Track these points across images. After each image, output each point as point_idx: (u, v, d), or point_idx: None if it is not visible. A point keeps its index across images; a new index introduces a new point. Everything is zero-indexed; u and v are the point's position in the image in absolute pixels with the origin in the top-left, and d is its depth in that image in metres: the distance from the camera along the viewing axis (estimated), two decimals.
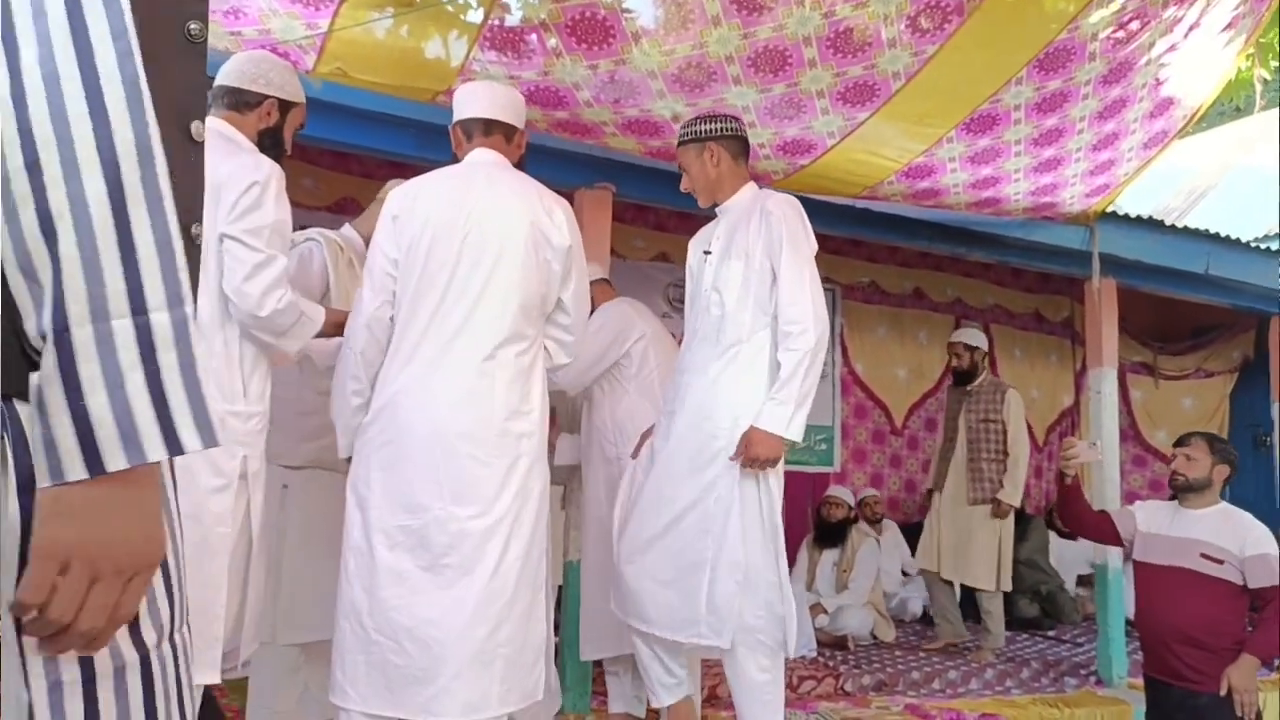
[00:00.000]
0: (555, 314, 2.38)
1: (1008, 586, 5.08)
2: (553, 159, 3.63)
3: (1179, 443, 3.42)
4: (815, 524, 5.72)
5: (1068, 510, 3.63)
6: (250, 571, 2.18)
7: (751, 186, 2.85)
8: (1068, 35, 3.02)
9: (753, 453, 2.52)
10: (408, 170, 3.46)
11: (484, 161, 2.41)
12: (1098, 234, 4.70)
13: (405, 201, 2.34)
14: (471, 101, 2.46)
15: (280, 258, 2.18)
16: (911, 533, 6.32)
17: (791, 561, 5.82)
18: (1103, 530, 3.58)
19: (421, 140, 3.61)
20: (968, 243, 4.87)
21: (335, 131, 3.48)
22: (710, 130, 2.78)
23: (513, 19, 2.92)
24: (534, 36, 2.95)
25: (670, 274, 6.01)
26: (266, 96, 2.35)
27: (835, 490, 5.74)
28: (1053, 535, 6.48)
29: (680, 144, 2.82)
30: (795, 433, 2.53)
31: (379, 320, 2.27)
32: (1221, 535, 3.23)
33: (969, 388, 5.17)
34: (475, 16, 2.91)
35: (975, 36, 2.95)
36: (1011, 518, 5.05)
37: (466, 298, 2.22)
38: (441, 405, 2.17)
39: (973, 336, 5.24)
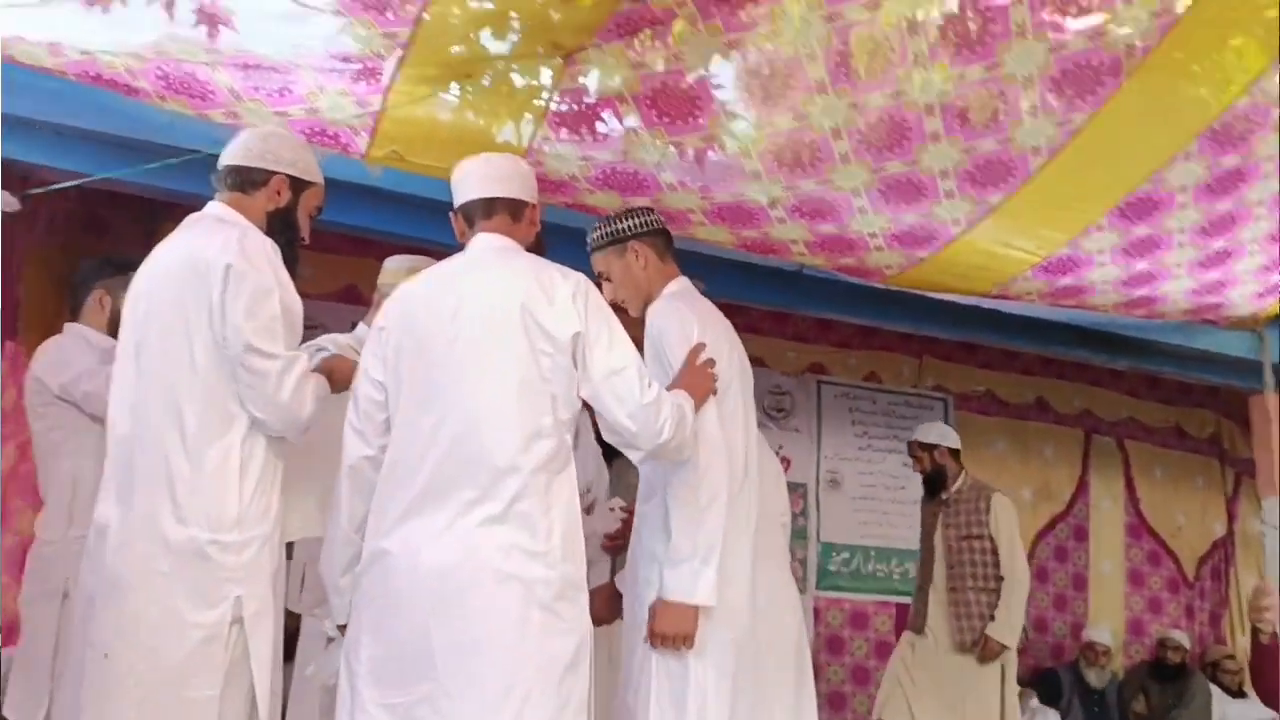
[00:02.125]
0: (594, 386, 1.87)
1: None
2: None
3: None
4: None
5: (1266, 679, 2.90)
6: None
7: (677, 282, 2.37)
8: (1249, 100, 2.50)
9: (658, 629, 2.03)
10: None
11: (482, 248, 2.00)
12: (1269, 341, 4.03)
13: (392, 308, 1.97)
14: (467, 181, 2.07)
15: (301, 355, 1.93)
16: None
17: None
18: None
19: None
20: (1109, 349, 4.28)
21: (394, 223, 3.17)
22: (629, 228, 2.35)
23: (586, 94, 2.56)
24: (609, 112, 2.58)
25: (768, 379, 5.54)
26: (273, 173, 2.04)
27: None
28: (1216, 690, 5.56)
29: (595, 250, 2.40)
30: (705, 596, 2.02)
31: (366, 465, 1.89)
32: None
33: (943, 497, 4.11)
34: (544, 91, 2.56)
35: (1135, 102, 2.45)
36: (1013, 661, 3.94)
37: (459, 417, 1.80)
38: (436, 550, 1.74)
39: (929, 432, 4.22)
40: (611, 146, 2.68)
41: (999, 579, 3.88)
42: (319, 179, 2.13)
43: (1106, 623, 6.07)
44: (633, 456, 1.95)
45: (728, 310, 4.80)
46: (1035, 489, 6.26)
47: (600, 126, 2.64)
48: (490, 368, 1.82)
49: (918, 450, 4.19)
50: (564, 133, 2.65)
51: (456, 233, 2.07)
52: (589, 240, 2.43)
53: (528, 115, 2.65)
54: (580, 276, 1.91)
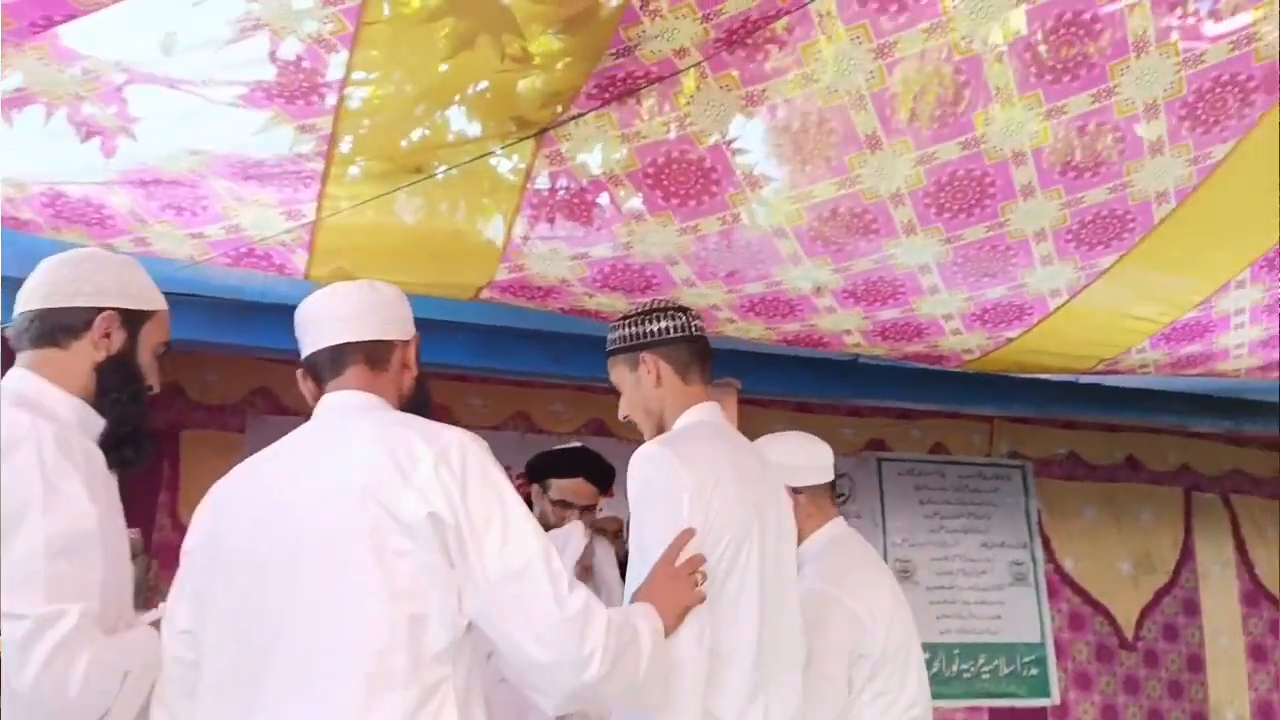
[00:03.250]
0: (483, 599, 1.26)
1: None
2: None
3: None
4: None
5: None
6: None
7: (696, 411, 1.76)
8: None
9: None
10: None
11: (325, 414, 1.45)
12: None
13: (200, 522, 1.40)
14: (306, 328, 1.51)
15: (69, 611, 1.20)
16: None
17: None
18: None
19: (474, 347, 2.70)
20: (1236, 414, 3.61)
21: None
22: (643, 335, 1.80)
23: (571, 177, 2.01)
24: (603, 197, 2.02)
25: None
26: (97, 310, 1.45)
27: None
28: None
29: (608, 354, 1.87)
30: None
31: None
32: None
33: None
34: (516, 178, 2.01)
35: None
36: None
37: (275, 689, 1.23)
38: None
39: None
40: (609, 239, 2.11)
41: None
42: (160, 304, 1.55)
43: (1231, 711, 5.36)
44: (546, 705, 1.30)
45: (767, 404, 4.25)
46: (1135, 560, 5.54)
47: (594, 215, 2.08)
48: (318, 599, 1.24)
49: None
50: (546, 227, 2.09)
51: (308, 396, 1.50)
52: (607, 342, 1.89)
53: (501, 210, 2.10)
54: (455, 437, 1.32)
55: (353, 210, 2.08)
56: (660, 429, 1.81)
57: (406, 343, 1.51)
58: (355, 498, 1.26)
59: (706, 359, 1.83)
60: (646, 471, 1.62)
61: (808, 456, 2.14)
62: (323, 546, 1.25)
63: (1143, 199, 2.00)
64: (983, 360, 2.68)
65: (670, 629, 1.39)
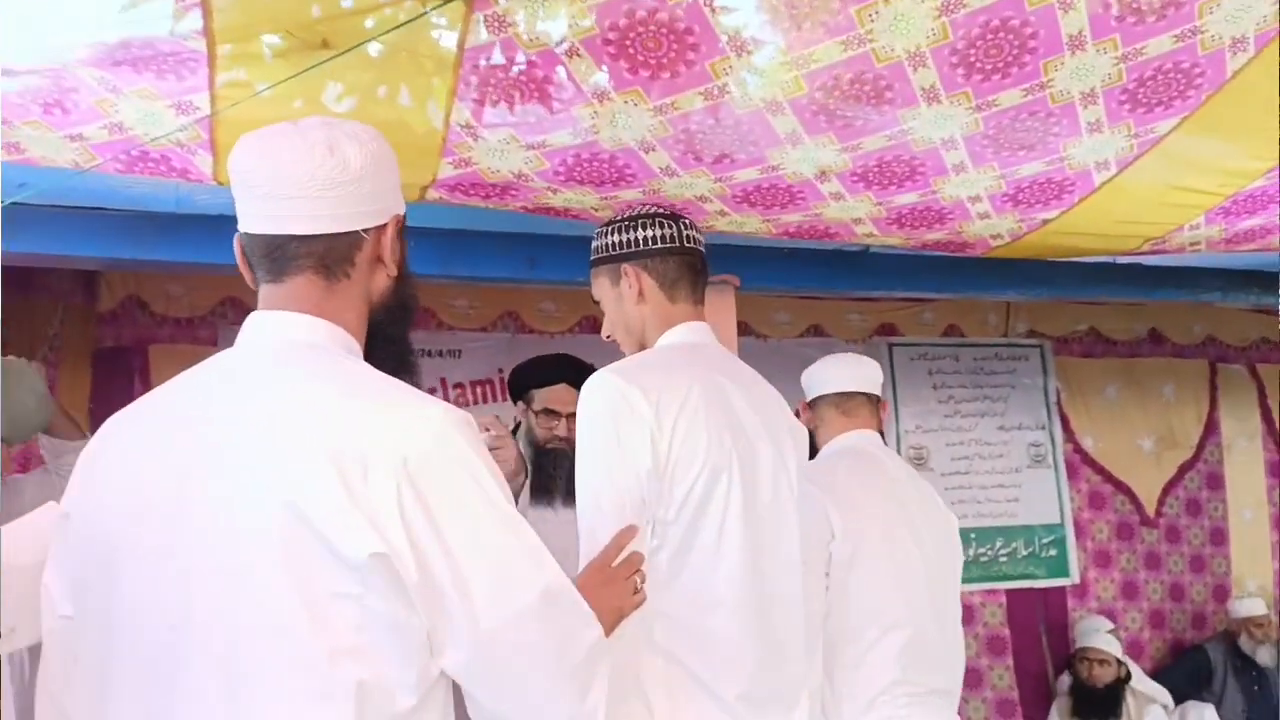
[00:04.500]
0: (467, 653, 0.96)
1: None
2: None
3: None
4: (1072, 689, 4.17)
5: None
6: None
7: (677, 332, 1.57)
8: None
9: None
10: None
11: (250, 351, 1.05)
12: None
13: (80, 479, 1.04)
14: (247, 189, 1.04)
15: None
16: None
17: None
18: None
19: (434, 253, 2.38)
20: (1240, 286, 3.31)
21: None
22: (624, 244, 1.60)
23: (516, 48, 1.64)
24: (558, 72, 1.66)
25: (829, 350, 4.66)
26: None
27: (1093, 641, 4.16)
28: None
29: (590, 265, 1.68)
30: None
31: None
32: None
33: None
34: (451, 54, 1.64)
35: None
36: None
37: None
38: None
39: None
40: (570, 124, 1.76)
41: None
42: None
43: (1254, 582, 5.26)
44: None
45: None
46: (1158, 437, 5.35)
47: (549, 95, 1.72)
48: (222, 651, 0.91)
49: None
50: (492, 112, 1.73)
51: (246, 278, 1.09)
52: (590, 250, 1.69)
53: (435, 94, 1.74)
54: (430, 426, 0.95)
55: (265, 100, 1.73)
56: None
57: (381, 228, 1.06)
58: (277, 513, 0.90)
59: (700, 274, 1.61)
60: (594, 405, 1.40)
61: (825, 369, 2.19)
62: (230, 575, 0.91)
63: (1215, 47, 1.63)
64: (1012, 246, 2.35)
65: (605, 633, 1.11)
